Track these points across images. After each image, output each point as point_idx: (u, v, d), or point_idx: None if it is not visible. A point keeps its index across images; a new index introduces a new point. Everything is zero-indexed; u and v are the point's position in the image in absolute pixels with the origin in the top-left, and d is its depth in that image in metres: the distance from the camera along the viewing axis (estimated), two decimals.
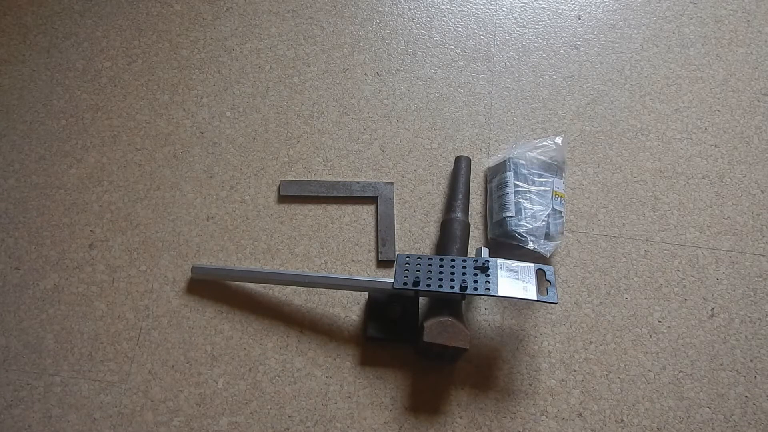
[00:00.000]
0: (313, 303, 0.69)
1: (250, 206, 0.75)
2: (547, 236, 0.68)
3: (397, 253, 0.72)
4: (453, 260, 0.64)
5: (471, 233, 0.73)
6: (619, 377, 0.66)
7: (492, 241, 0.72)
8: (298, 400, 0.64)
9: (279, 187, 0.75)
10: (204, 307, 0.69)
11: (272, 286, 0.70)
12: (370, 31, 0.87)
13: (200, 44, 0.86)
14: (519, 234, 0.67)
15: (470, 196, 0.75)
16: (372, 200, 0.75)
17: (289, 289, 0.70)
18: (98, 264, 0.71)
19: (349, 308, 0.69)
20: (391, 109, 0.81)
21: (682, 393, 0.66)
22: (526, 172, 0.71)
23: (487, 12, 0.90)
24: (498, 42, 0.87)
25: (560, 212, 0.70)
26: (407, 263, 0.64)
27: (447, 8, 0.90)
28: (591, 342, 0.68)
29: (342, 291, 0.70)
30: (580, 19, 0.89)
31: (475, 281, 0.61)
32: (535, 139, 0.78)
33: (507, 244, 0.69)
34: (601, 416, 0.64)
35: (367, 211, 0.75)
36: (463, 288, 0.60)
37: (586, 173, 0.78)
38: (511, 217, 0.68)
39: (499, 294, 0.59)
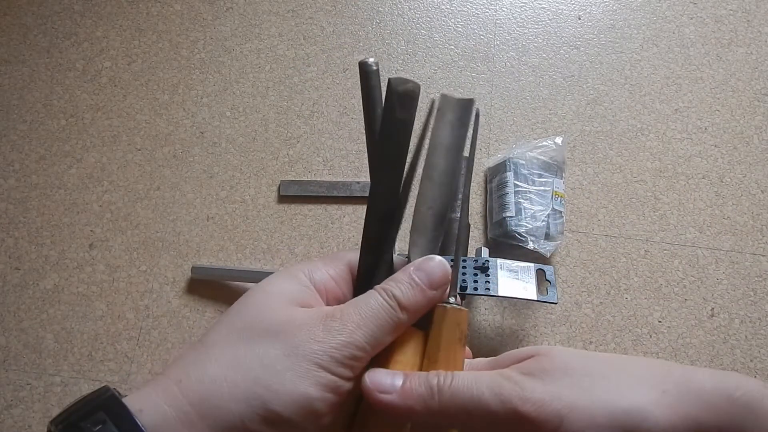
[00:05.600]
0: None
1: (250, 206, 0.75)
2: (547, 236, 0.68)
3: (397, 253, 0.72)
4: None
5: (471, 233, 0.73)
6: None
7: (492, 241, 0.72)
8: None
9: (279, 187, 0.75)
10: (204, 307, 0.69)
11: None
12: (370, 31, 0.87)
13: (200, 44, 0.86)
14: (519, 234, 0.67)
15: (470, 196, 0.75)
16: None
17: None
18: (98, 264, 0.71)
19: None
20: None
21: None
22: (526, 172, 0.71)
23: (487, 12, 0.90)
24: (498, 42, 0.87)
25: (560, 212, 0.70)
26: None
27: (447, 8, 0.90)
28: (591, 342, 0.68)
29: None
30: (580, 19, 0.89)
31: (475, 281, 0.61)
32: (535, 139, 0.78)
33: (507, 244, 0.69)
34: None
35: None
36: (463, 288, 0.60)
37: (586, 173, 0.78)
38: (511, 217, 0.68)
39: (499, 294, 0.59)
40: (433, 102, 0.29)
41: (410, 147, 0.28)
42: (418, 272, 0.27)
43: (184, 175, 0.77)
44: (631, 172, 0.78)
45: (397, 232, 0.28)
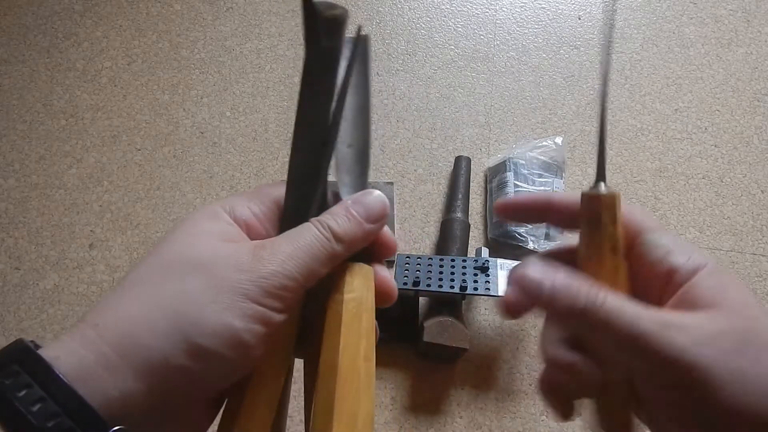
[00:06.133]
0: None
1: None
2: (547, 236, 0.68)
3: (397, 253, 0.72)
4: (453, 260, 0.64)
5: (471, 233, 0.73)
6: None
7: (492, 241, 0.72)
8: (298, 399, 0.64)
9: None
10: None
11: None
12: (370, 31, 0.87)
13: (200, 44, 0.86)
14: (519, 234, 0.67)
15: (470, 196, 0.75)
16: None
17: None
18: (98, 264, 0.71)
19: None
20: (391, 109, 0.81)
21: None
22: (526, 172, 0.71)
23: (487, 12, 0.90)
24: (498, 42, 0.87)
25: None
26: (407, 263, 0.64)
27: (447, 8, 0.90)
28: None
29: None
30: (580, 19, 0.89)
31: (475, 281, 0.61)
32: (535, 139, 0.78)
33: (507, 244, 0.69)
34: None
35: None
36: (463, 288, 0.60)
37: (586, 173, 0.78)
38: None
39: (499, 294, 0.59)
40: (359, 55, 0.28)
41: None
42: (355, 205, 0.26)
43: (184, 175, 0.77)
44: (631, 172, 0.78)
45: (328, 166, 0.27)
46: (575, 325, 0.24)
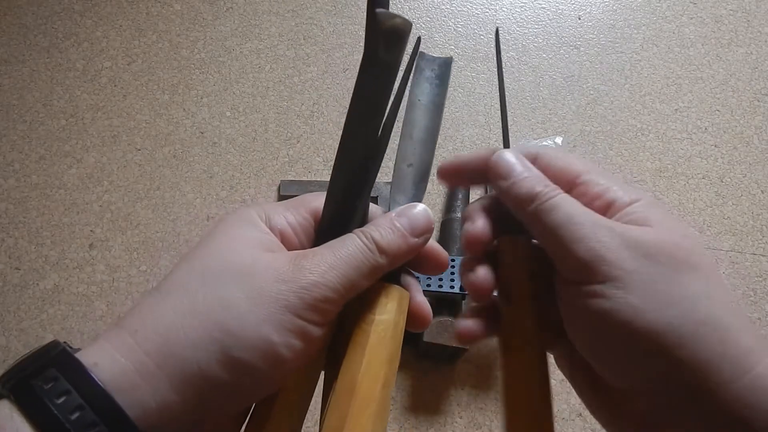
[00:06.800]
0: None
1: None
2: None
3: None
4: (453, 260, 0.64)
5: None
6: None
7: None
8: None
9: (279, 187, 0.75)
10: None
11: None
12: None
13: (200, 44, 0.86)
14: None
15: (470, 196, 0.75)
16: (372, 200, 0.75)
17: None
18: (98, 264, 0.71)
19: None
20: None
21: None
22: None
23: (487, 12, 0.90)
24: None
25: None
26: None
27: (447, 8, 0.90)
28: None
29: None
30: (580, 19, 0.89)
31: None
32: (535, 139, 0.78)
33: None
34: None
35: None
36: (463, 288, 0.60)
37: None
38: None
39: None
40: (414, 60, 0.27)
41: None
42: (400, 218, 0.25)
43: (184, 175, 0.77)
44: (631, 172, 0.78)
45: (374, 180, 0.26)
46: (524, 208, 0.25)
